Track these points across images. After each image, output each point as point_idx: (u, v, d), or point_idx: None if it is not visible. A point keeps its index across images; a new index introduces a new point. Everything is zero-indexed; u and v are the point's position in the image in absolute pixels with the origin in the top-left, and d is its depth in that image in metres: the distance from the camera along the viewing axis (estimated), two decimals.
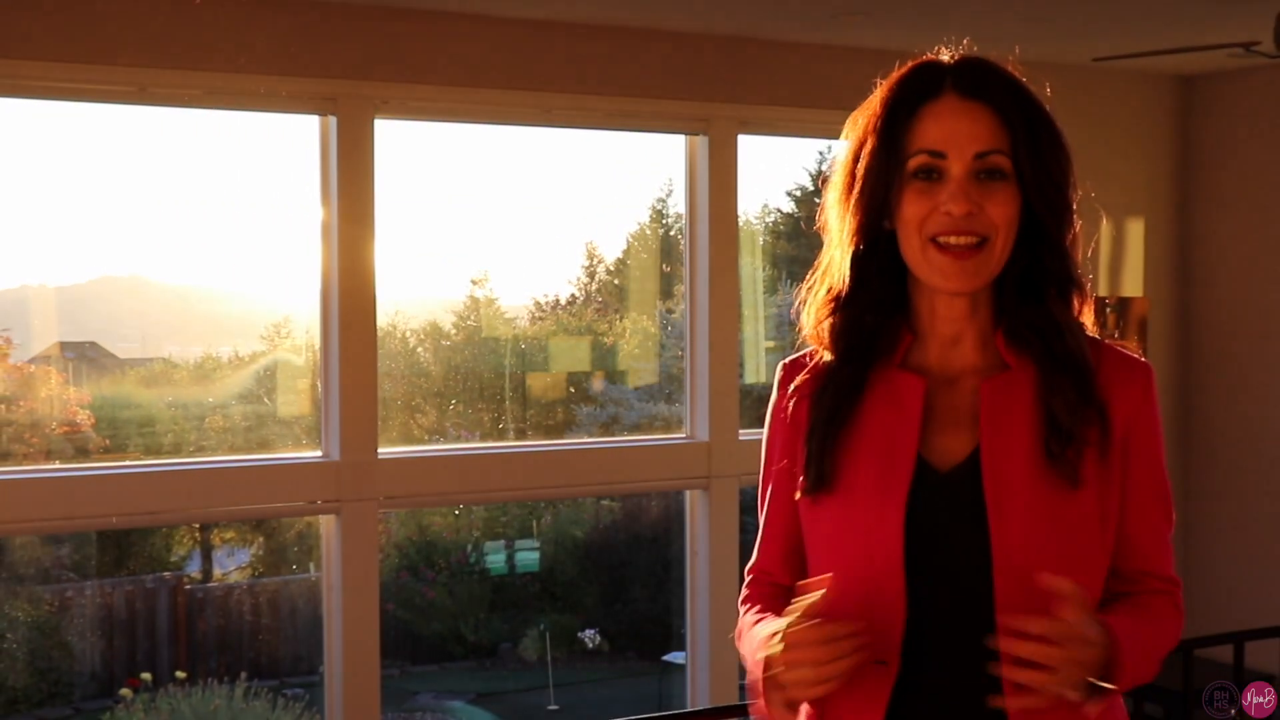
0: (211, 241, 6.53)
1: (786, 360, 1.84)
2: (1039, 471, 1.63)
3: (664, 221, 7.77)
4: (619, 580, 8.83)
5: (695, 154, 6.09)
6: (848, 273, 1.74)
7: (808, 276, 1.82)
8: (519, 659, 8.71)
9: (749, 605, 1.83)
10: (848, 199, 1.72)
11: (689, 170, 6.12)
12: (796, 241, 8.63)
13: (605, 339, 8.17)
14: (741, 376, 6.50)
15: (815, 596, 1.58)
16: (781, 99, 6.11)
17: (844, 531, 1.68)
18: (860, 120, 1.73)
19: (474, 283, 7.64)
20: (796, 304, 1.83)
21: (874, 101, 1.72)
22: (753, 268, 7.62)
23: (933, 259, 1.66)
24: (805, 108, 6.13)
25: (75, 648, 7.52)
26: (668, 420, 7.18)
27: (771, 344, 8.11)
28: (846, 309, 1.74)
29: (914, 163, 1.65)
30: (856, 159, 1.71)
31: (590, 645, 8.75)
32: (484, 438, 7.30)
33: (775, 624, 1.63)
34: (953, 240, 1.64)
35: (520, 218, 7.44)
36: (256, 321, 7.03)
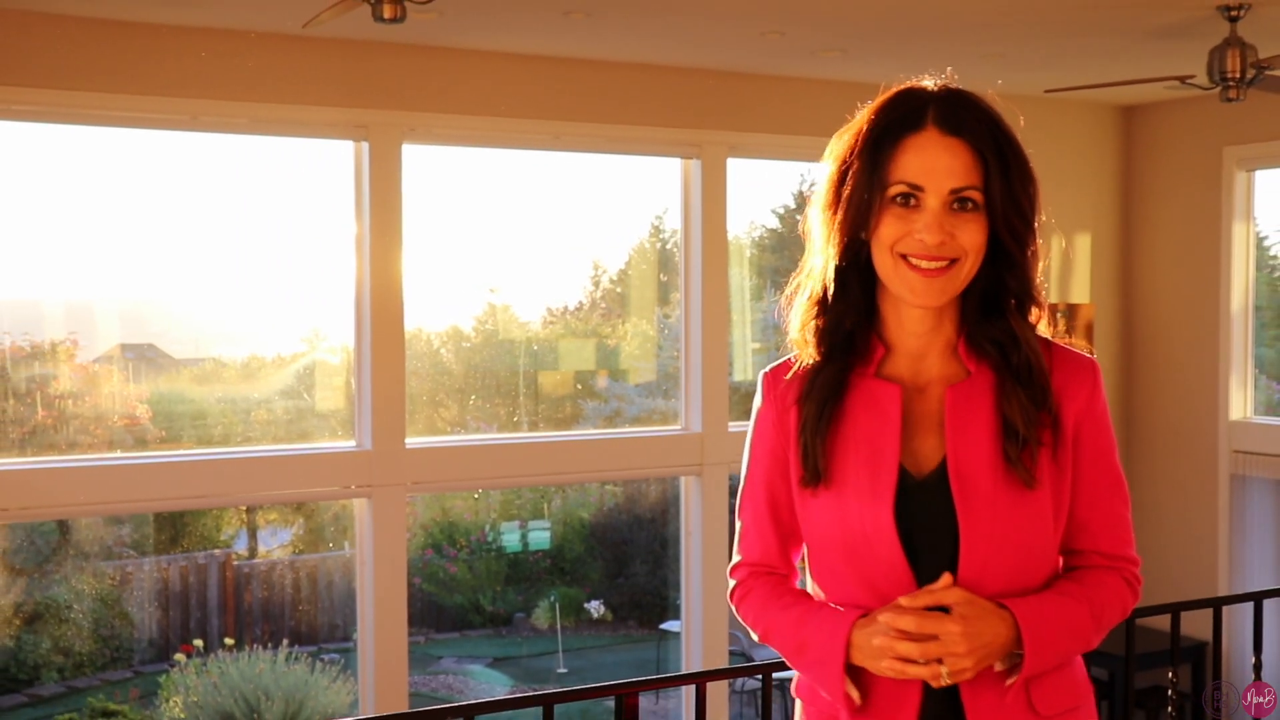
0: (257, 254, 6.53)
1: (767, 371, 1.80)
2: (999, 476, 1.63)
3: (661, 236, 7.76)
4: (621, 557, 8.83)
5: (689, 176, 6.09)
6: (830, 280, 1.71)
7: (790, 280, 1.79)
8: (531, 627, 8.71)
9: (759, 596, 1.80)
10: (832, 214, 1.69)
11: (684, 190, 6.12)
12: (780, 254, 8.62)
13: (609, 341, 8.17)
14: (731, 374, 6.50)
15: (941, 586, 1.60)
16: (767, 126, 6.11)
17: (842, 526, 1.67)
18: (846, 140, 1.69)
19: (491, 291, 7.63)
20: (782, 304, 1.80)
21: (860, 124, 1.68)
22: (741, 277, 7.61)
23: (904, 275, 1.64)
24: (788, 134, 6.13)
25: (135, 617, 7.52)
26: (665, 414, 7.18)
27: (758, 345, 8.10)
28: (828, 313, 1.72)
29: (893, 190, 1.63)
30: (841, 178, 1.68)
31: (595, 615, 8.75)
32: (500, 429, 7.30)
33: (884, 612, 1.62)
34: (924, 264, 1.63)
35: (532, 232, 7.43)
36: (297, 325, 7.02)
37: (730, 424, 6.19)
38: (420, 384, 6.88)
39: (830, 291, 1.71)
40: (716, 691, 5.98)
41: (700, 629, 6.07)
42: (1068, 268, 6.96)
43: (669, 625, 7.96)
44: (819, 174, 1.74)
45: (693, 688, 3.21)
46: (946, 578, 1.60)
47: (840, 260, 1.69)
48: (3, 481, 4.96)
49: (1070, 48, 5.56)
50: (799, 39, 5.39)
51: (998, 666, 1.62)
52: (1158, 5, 4.84)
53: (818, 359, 1.72)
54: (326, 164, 5.67)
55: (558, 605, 8.59)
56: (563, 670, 8.41)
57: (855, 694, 1.65)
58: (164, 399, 6.70)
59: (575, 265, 7.99)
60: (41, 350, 6.28)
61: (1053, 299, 6.84)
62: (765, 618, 1.77)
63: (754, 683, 7.55)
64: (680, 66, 5.89)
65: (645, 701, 7.65)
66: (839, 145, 1.70)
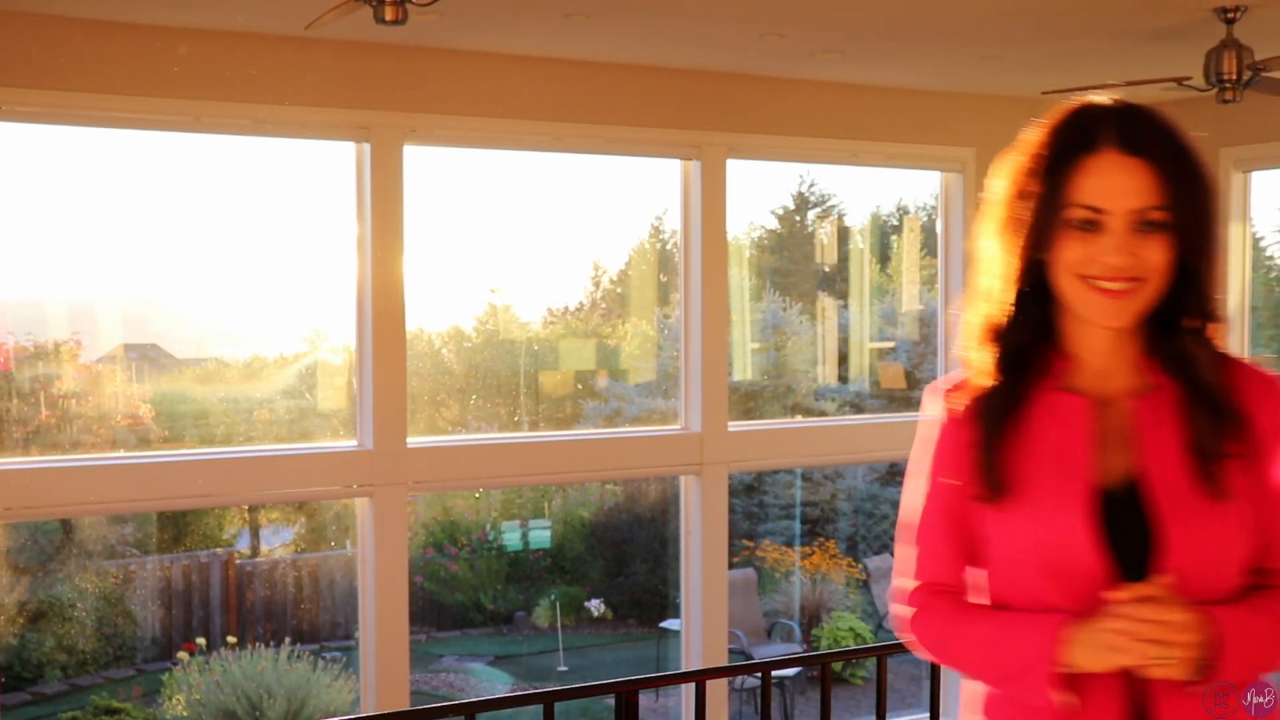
0: (259, 254, 6.54)
1: (940, 386, 1.76)
2: (1193, 490, 1.61)
3: (661, 236, 7.76)
4: (621, 556, 8.83)
5: (689, 177, 6.09)
6: (1008, 302, 1.67)
7: (961, 302, 1.75)
8: (532, 626, 8.71)
9: (942, 615, 1.74)
10: (1008, 238, 1.65)
11: (683, 191, 6.12)
12: (779, 254, 8.62)
13: (609, 341, 8.18)
14: (730, 374, 6.50)
15: (1167, 583, 1.56)
16: (766, 128, 6.11)
17: (1035, 541, 1.64)
18: (1019, 161, 1.65)
19: (492, 291, 7.64)
20: (949, 322, 1.78)
21: (1033, 145, 1.64)
22: (740, 278, 7.62)
23: (1088, 297, 1.61)
24: (787, 135, 6.13)
25: (138, 616, 7.52)
26: (664, 413, 7.18)
27: (757, 345, 8.10)
28: (1006, 335, 1.68)
29: (1075, 214, 1.59)
30: (1017, 201, 1.64)
31: (596, 613, 8.75)
32: (501, 429, 7.30)
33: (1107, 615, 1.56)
34: (1109, 285, 1.59)
35: (533, 233, 7.44)
36: (299, 325, 7.03)
37: (730, 424, 6.19)
38: (421, 384, 6.89)
39: (1009, 313, 1.68)
40: (716, 690, 5.98)
41: (700, 627, 6.06)
42: None
43: (669, 624, 7.97)
44: (989, 194, 1.70)
45: (692, 686, 3.22)
46: (1171, 577, 1.57)
47: (1021, 284, 1.66)
48: (6, 481, 4.96)
49: (1067, 49, 5.56)
50: (798, 41, 5.39)
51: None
52: (1154, 7, 4.84)
53: (996, 375, 1.69)
54: (328, 165, 5.68)
55: (558, 604, 8.60)
56: (563, 668, 8.41)
57: (1068, 697, 1.60)
58: (166, 399, 6.71)
59: (575, 266, 8.00)
60: (45, 350, 6.29)
61: None
62: (953, 634, 1.72)
63: (754, 681, 7.55)
64: (680, 68, 5.90)
65: (645, 700, 7.65)
66: (1011, 166, 1.67)
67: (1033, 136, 1.65)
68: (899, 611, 1.78)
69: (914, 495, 1.78)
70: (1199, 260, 1.63)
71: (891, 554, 9.15)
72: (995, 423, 1.67)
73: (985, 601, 1.72)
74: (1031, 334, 1.68)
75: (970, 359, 1.72)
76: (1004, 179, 1.67)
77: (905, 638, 1.78)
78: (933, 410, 1.76)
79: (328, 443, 6.03)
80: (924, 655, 1.78)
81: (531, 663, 8.54)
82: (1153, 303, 1.63)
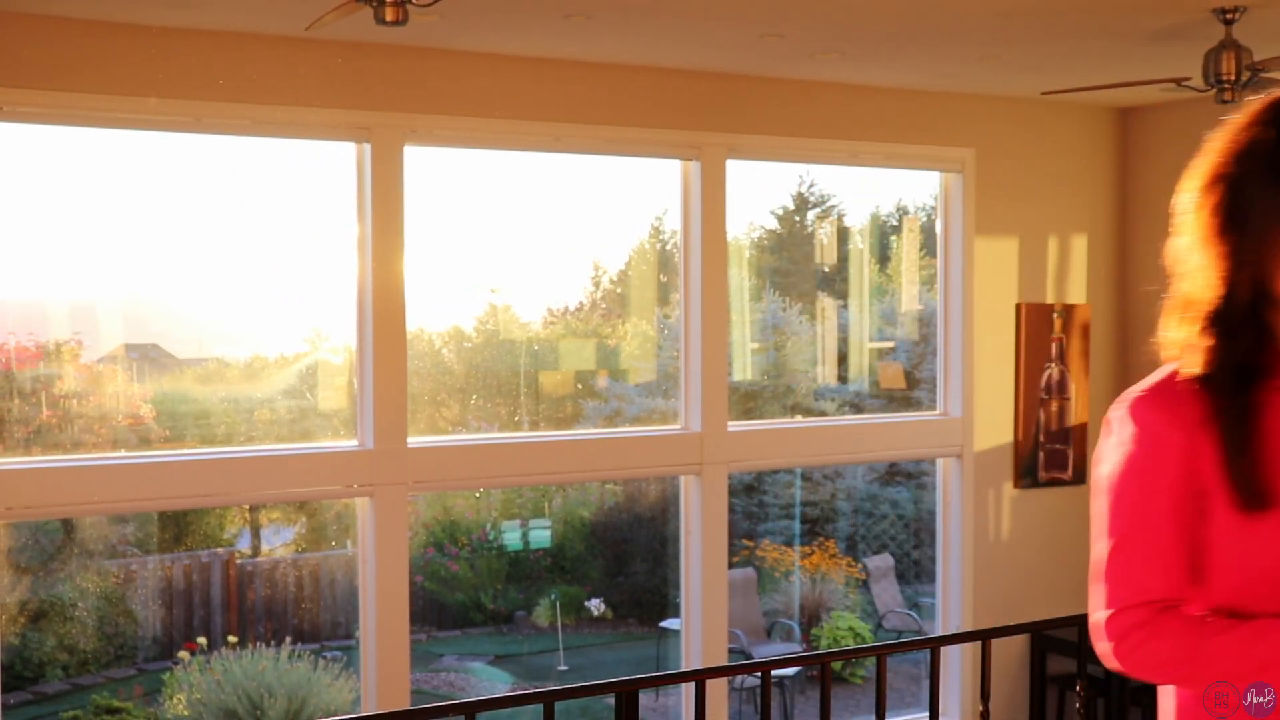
0: (259, 255, 6.53)
1: (1141, 396, 1.69)
2: None
3: (661, 237, 7.76)
4: (621, 555, 8.83)
5: (689, 177, 6.09)
6: (1231, 307, 1.63)
7: (1168, 309, 1.72)
8: (532, 625, 8.71)
9: (1180, 629, 1.65)
10: (1223, 243, 1.63)
11: (683, 191, 6.11)
12: (779, 254, 8.62)
13: (609, 341, 8.17)
14: (730, 374, 6.49)
15: None
16: (766, 128, 6.10)
17: None
18: (1226, 164, 1.63)
19: (492, 291, 7.64)
20: (1160, 330, 1.72)
21: (1242, 145, 1.63)
22: (740, 278, 7.62)
23: None
24: (787, 136, 6.13)
25: (139, 615, 7.52)
26: (664, 413, 7.18)
27: (757, 345, 8.10)
28: (1230, 339, 1.64)
29: None
30: (1232, 205, 1.62)
31: (596, 613, 8.75)
32: (501, 429, 7.30)
33: None
34: None
35: (533, 233, 7.43)
36: (299, 325, 7.03)
37: (730, 424, 6.18)
38: (422, 384, 6.88)
39: (1232, 317, 1.64)
40: (716, 689, 5.97)
41: (700, 627, 6.06)
42: (1065, 269, 6.96)
43: (669, 623, 7.96)
44: (1186, 201, 1.67)
45: (692, 685, 3.21)
46: None
47: (1246, 293, 1.62)
48: (7, 480, 4.96)
49: (1067, 50, 5.56)
50: (798, 41, 5.39)
51: None
52: (1154, 8, 4.84)
53: (1223, 380, 1.64)
54: (329, 165, 5.67)
55: (558, 603, 8.60)
56: (563, 668, 8.41)
57: None
58: (167, 398, 6.70)
59: (576, 266, 8.00)
60: (46, 350, 6.28)
61: (1050, 299, 6.84)
62: (1201, 649, 1.63)
63: (753, 680, 7.55)
64: (680, 68, 5.89)
65: (645, 699, 7.65)
66: (1214, 170, 1.64)
67: (1235, 138, 1.63)
68: (1106, 649, 1.68)
69: (1125, 510, 1.68)
70: None
71: (890, 553, 9.18)
72: (1239, 429, 1.60)
73: (1205, 612, 1.66)
74: (1255, 337, 1.63)
75: (1187, 366, 1.66)
76: (1209, 184, 1.64)
77: (1129, 663, 1.68)
78: (1135, 421, 1.68)
79: (328, 443, 6.03)
80: (1151, 678, 1.69)
81: (531, 662, 8.54)
82: None
